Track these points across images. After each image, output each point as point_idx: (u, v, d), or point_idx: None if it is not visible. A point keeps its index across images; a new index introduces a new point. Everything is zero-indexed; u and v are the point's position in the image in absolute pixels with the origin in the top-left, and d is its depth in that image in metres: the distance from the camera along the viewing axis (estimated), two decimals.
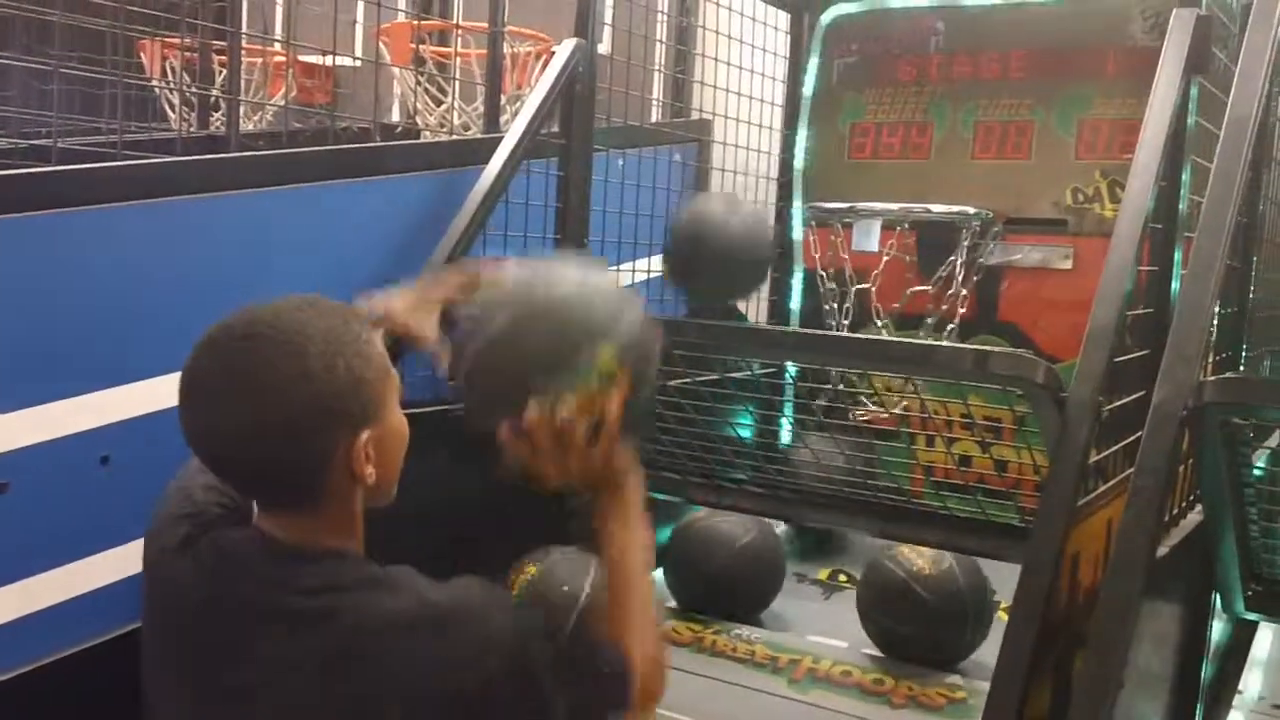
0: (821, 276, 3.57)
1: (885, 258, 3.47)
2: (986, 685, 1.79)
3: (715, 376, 2.50)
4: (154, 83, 4.58)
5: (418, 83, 4.09)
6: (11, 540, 2.02)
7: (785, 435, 3.44)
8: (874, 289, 3.49)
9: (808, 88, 3.82)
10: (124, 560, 2.17)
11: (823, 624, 2.95)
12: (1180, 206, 2.33)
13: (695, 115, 3.73)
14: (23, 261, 2.03)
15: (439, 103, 4.23)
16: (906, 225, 3.47)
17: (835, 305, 3.53)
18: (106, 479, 2.16)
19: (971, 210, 3.38)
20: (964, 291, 3.41)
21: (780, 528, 3.33)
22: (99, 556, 2.17)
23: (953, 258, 3.39)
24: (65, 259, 2.09)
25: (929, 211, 3.38)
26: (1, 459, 1.99)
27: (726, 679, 2.58)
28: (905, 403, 2.36)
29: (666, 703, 2.37)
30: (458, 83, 3.79)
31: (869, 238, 3.44)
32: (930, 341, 3.22)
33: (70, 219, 2.09)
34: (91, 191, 2.14)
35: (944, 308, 3.44)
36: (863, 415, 2.93)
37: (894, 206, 3.43)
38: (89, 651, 2.08)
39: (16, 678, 1.99)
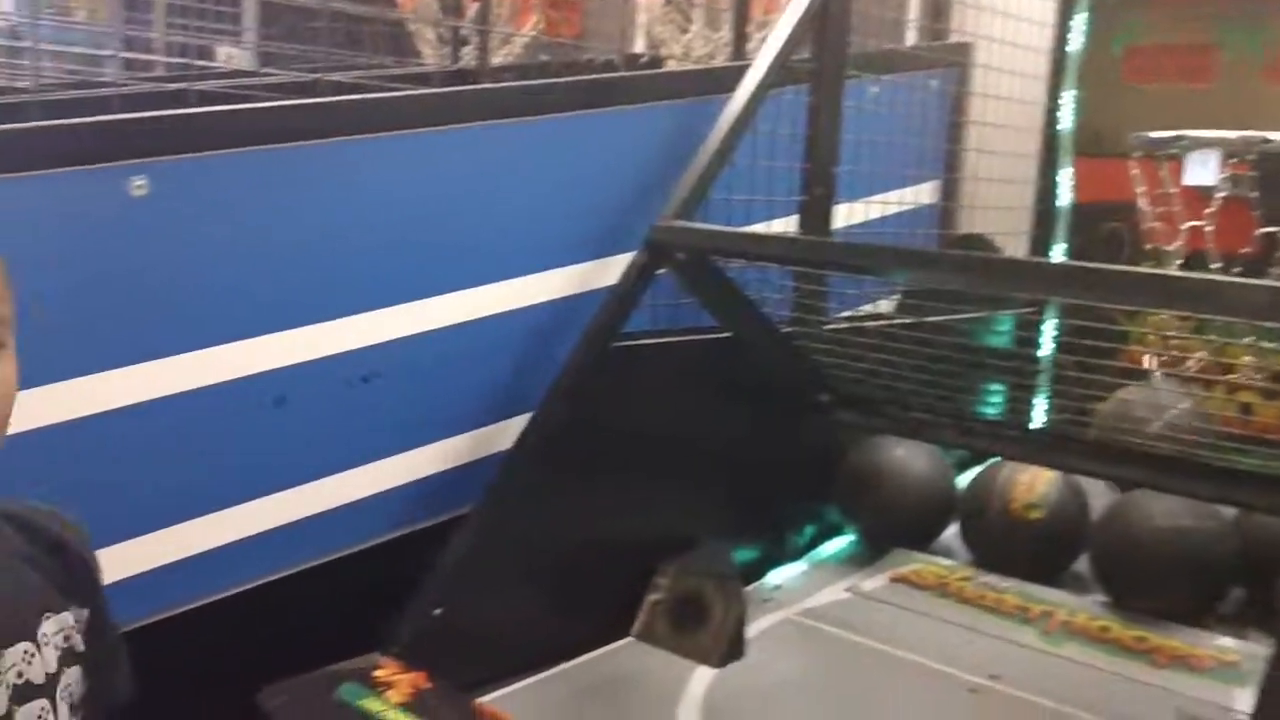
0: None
1: (1221, 195, 3.14)
2: (1261, 650, 1.66)
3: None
4: (408, 18, 4.71)
5: (665, 10, 4.05)
6: (288, 449, 2.14)
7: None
8: (1205, 229, 3.16)
9: (1080, 7, 3.57)
10: (385, 472, 2.28)
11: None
12: None
13: (954, 38, 3.56)
14: (298, 188, 2.12)
15: (684, 31, 4.19)
16: (1246, 157, 3.11)
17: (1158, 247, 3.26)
18: (368, 396, 2.24)
19: None
20: None
21: None
22: (358, 470, 2.26)
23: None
24: (336, 186, 2.17)
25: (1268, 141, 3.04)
26: (278, 374, 2.10)
27: (975, 627, 2.50)
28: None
29: (910, 644, 2.36)
30: (704, 10, 3.74)
31: (1205, 170, 3.16)
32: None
33: (339, 148, 2.17)
34: (356, 122, 2.20)
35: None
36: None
37: (1232, 135, 3.11)
38: (347, 559, 2.21)
39: (279, 580, 2.13)
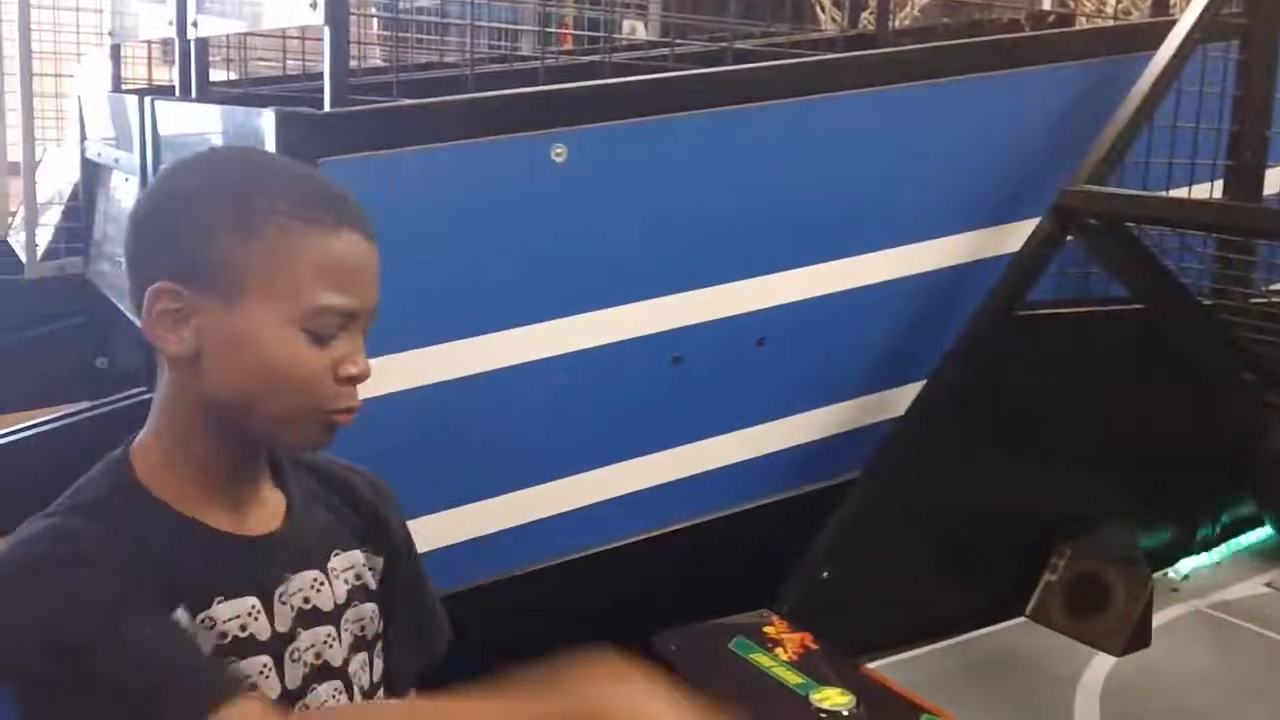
0: None
1: None
2: None
3: None
4: None
5: None
6: (684, 407, 2.22)
7: None
8: None
9: None
10: (775, 434, 2.31)
11: None
12: None
13: None
14: (704, 154, 2.18)
15: None
16: None
17: None
18: (761, 359, 2.28)
19: None
20: None
21: None
22: (750, 431, 2.31)
23: None
24: (740, 151, 2.21)
25: None
26: (676, 334, 2.18)
27: None
28: None
29: None
30: None
31: None
32: None
33: (745, 115, 2.21)
34: (762, 89, 2.24)
35: None
36: None
37: None
38: (737, 516, 2.27)
39: (672, 533, 2.21)
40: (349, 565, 1.21)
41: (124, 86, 3.35)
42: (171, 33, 2.61)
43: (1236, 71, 2.63)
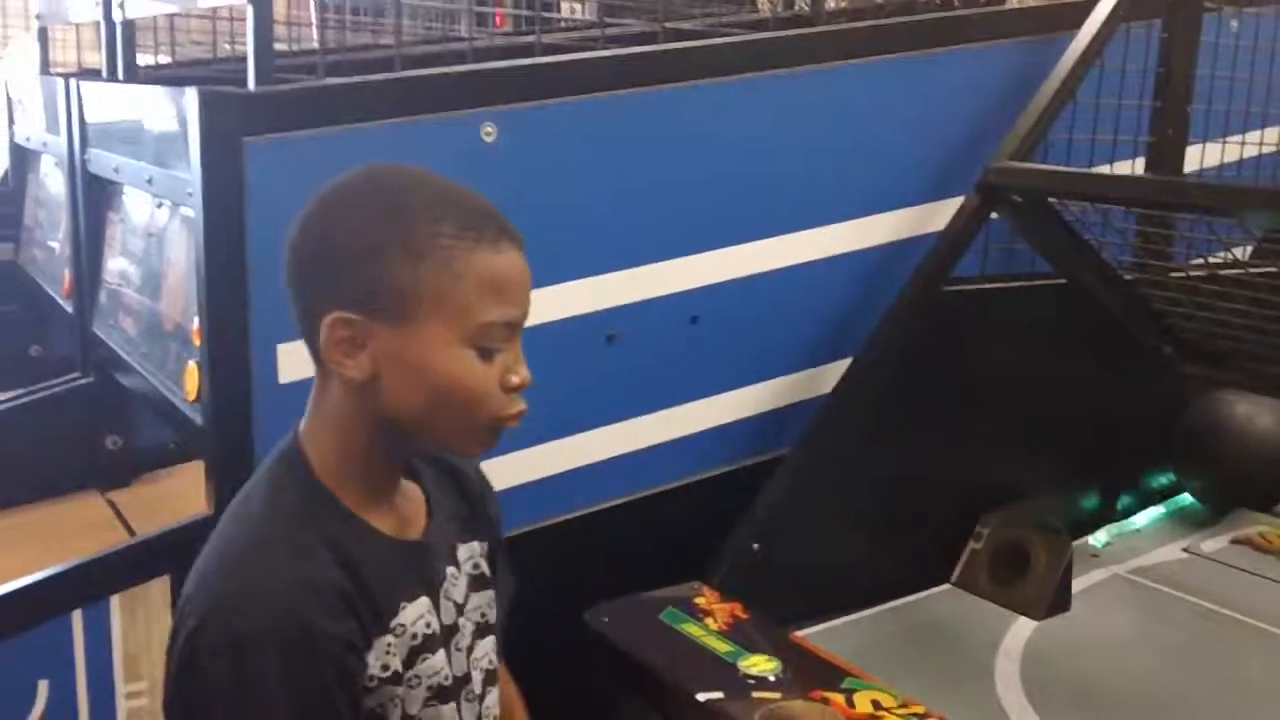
0: None
1: None
2: None
3: None
4: None
5: None
6: (618, 385, 2.24)
7: None
8: None
9: None
10: (708, 411, 2.34)
11: None
12: None
13: None
14: (634, 134, 2.19)
15: None
16: None
17: None
18: (695, 336, 2.31)
19: None
20: None
21: None
22: (683, 408, 2.34)
23: None
24: (670, 131, 2.23)
25: None
26: (611, 313, 2.20)
27: None
28: None
29: (1248, 608, 2.22)
30: None
31: None
32: None
33: (675, 94, 2.22)
34: (693, 68, 2.25)
35: None
36: None
37: None
38: (670, 493, 2.30)
39: (605, 510, 2.23)
40: (469, 556, 1.26)
41: (52, 70, 3.31)
42: (99, 15, 2.59)
43: (1159, 49, 2.67)
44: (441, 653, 1.17)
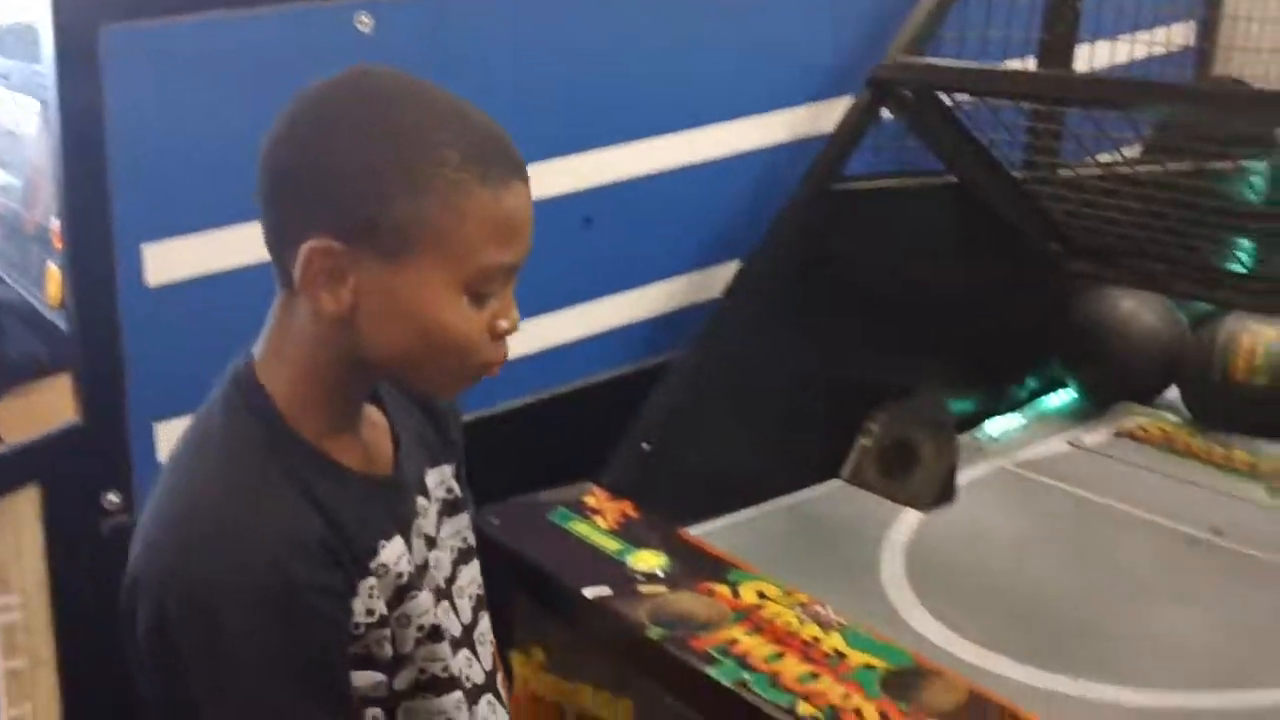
0: None
1: None
2: None
3: None
4: None
5: None
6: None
7: None
8: None
9: None
10: (601, 313, 2.32)
11: None
12: None
13: None
14: (515, 27, 2.12)
15: None
16: None
17: None
18: (588, 238, 2.27)
19: None
20: None
21: None
22: (575, 310, 2.31)
23: None
24: (553, 26, 2.16)
25: None
26: None
27: (1200, 482, 2.41)
28: None
29: (1129, 498, 2.28)
30: None
31: None
32: None
33: None
34: None
35: None
36: None
37: None
38: (562, 396, 2.28)
39: (496, 414, 2.17)
40: (440, 480, 1.20)
41: None
42: None
43: None
44: (425, 594, 1.10)
